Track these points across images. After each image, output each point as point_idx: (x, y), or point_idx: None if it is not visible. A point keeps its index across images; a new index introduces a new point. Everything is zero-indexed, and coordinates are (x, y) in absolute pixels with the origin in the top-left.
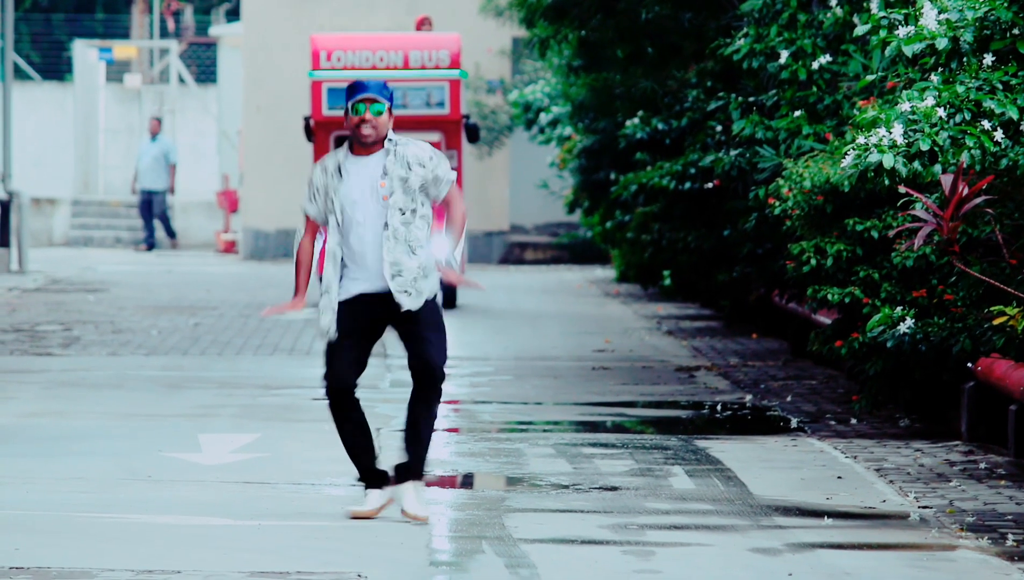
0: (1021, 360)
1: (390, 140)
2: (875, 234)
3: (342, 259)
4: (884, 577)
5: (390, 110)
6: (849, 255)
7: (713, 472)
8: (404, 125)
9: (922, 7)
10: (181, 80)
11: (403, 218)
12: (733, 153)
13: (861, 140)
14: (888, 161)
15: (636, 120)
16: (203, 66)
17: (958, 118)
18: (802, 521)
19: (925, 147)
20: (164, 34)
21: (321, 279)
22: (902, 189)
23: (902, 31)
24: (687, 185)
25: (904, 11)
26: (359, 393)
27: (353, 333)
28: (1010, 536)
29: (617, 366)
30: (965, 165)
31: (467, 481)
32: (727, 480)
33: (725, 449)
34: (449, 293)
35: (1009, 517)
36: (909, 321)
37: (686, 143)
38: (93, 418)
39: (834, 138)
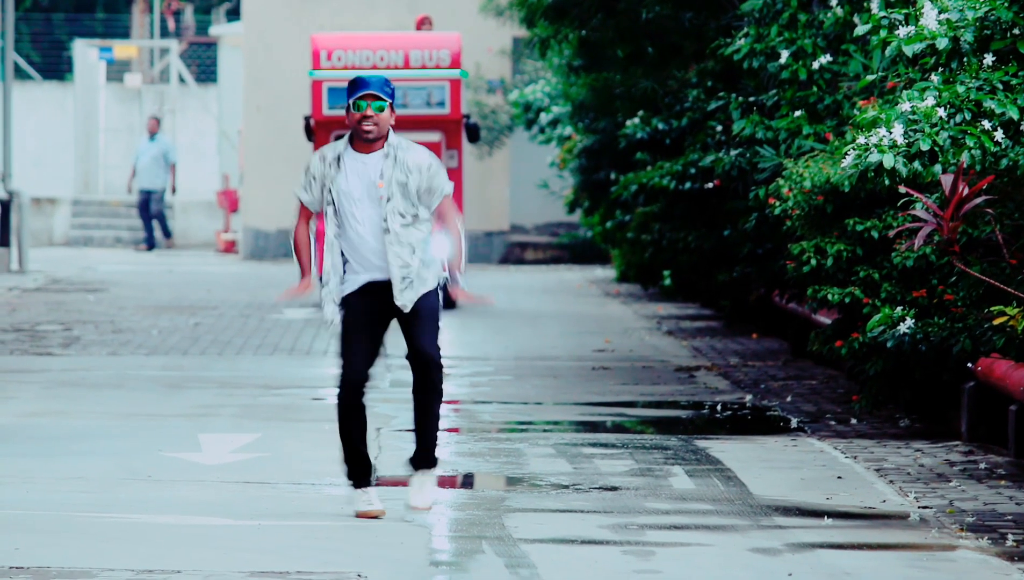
0: (1021, 360)
1: (391, 144)
2: (875, 234)
3: (341, 252)
4: (884, 577)
5: (392, 107)
6: (849, 255)
7: (713, 472)
8: (404, 125)
9: (922, 7)
10: (181, 80)
11: (403, 221)
12: (733, 153)
13: (861, 140)
14: (888, 161)
15: (636, 120)
16: (203, 66)
17: (958, 118)
18: (802, 521)
19: (925, 147)
20: (164, 34)
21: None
22: (902, 189)
23: (902, 31)
24: (687, 185)
25: (904, 11)
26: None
27: (364, 326)
28: (1010, 536)
29: (617, 366)
30: (965, 165)
31: (467, 481)
32: (727, 480)
33: (725, 449)
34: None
35: (1009, 517)
36: (909, 321)
37: (686, 143)
38: (93, 418)
39: (834, 138)
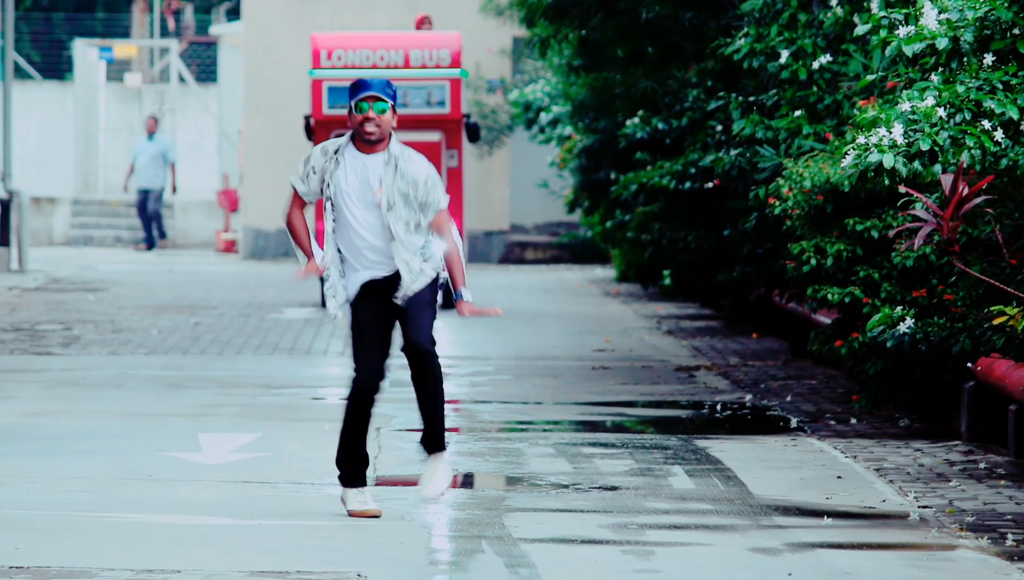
0: (1021, 360)
1: (392, 152)
2: (875, 234)
3: (338, 248)
4: (884, 577)
5: (394, 108)
6: (849, 255)
7: (713, 472)
8: (405, 124)
9: (922, 7)
10: (181, 79)
11: (407, 228)
12: (733, 153)
13: (861, 140)
14: (888, 161)
15: (636, 120)
16: (203, 65)
17: (958, 118)
18: (802, 521)
19: (925, 147)
20: (164, 33)
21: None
22: (902, 189)
23: (902, 31)
24: (687, 185)
25: (904, 11)
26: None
27: (372, 327)
28: (1010, 536)
29: (617, 366)
30: (965, 165)
31: (467, 481)
32: (727, 480)
33: (725, 449)
34: (450, 293)
35: (1009, 517)
36: (909, 321)
37: (686, 143)
38: (93, 417)
39: (834, 138)
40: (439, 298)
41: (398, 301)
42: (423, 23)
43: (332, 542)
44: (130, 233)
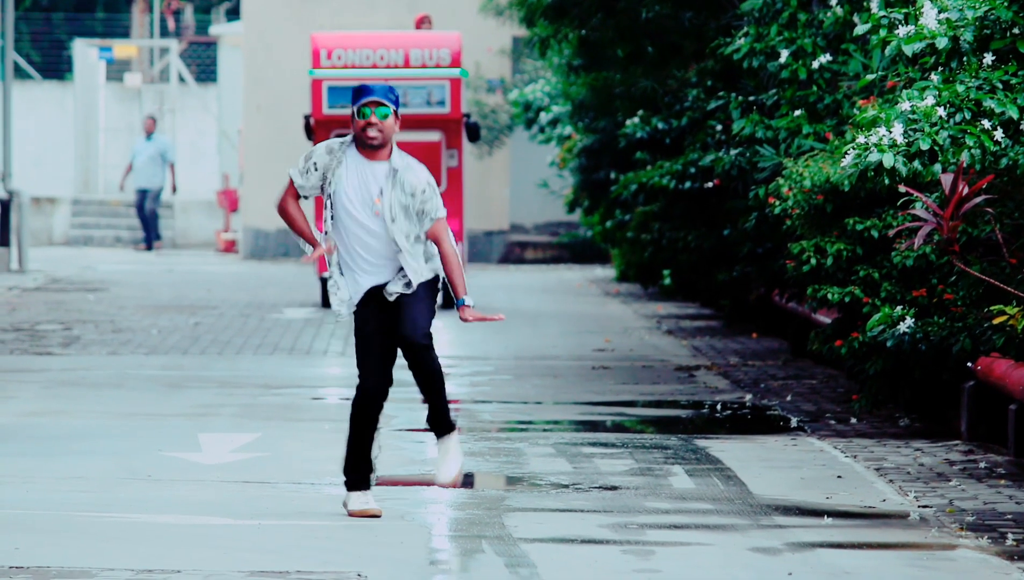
0: (1021, 359)
1: (394, 165)
2: (875, 233)
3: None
4: (884, 576)
5: (396, 113)
6: (849, 254)
7: (713, 471)
8: (405, 124)
9: (922, 6)
10: (181, 79)
11: (407, 239)
12: (733, 152)
13: (861, 139)
14: (888, 160)
15: (636, 119)
16: (203, 65)
17: (958, 117)
18: (802, 520)
19: (925, 146)
20: (164, 33)
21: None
22: (902, 188)
23: (902, 30)
24: (687, 184)
25: (904, 10)
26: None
27: (375, 331)
28: (1010, 535)
29: (617, 365)
30: (965, 164)
31: (467, 480)
32: (727, 479)
33: (725, 448)
34: (450, 297)
35: (1009, 516)
36: (909, 320)
37: (686, 142)
38: (93, 417)
39: (834, 137)
40: (439, 298)
41: (389, 297)
42: (423, 23)
43: (332, 542)
44: (130, 233)
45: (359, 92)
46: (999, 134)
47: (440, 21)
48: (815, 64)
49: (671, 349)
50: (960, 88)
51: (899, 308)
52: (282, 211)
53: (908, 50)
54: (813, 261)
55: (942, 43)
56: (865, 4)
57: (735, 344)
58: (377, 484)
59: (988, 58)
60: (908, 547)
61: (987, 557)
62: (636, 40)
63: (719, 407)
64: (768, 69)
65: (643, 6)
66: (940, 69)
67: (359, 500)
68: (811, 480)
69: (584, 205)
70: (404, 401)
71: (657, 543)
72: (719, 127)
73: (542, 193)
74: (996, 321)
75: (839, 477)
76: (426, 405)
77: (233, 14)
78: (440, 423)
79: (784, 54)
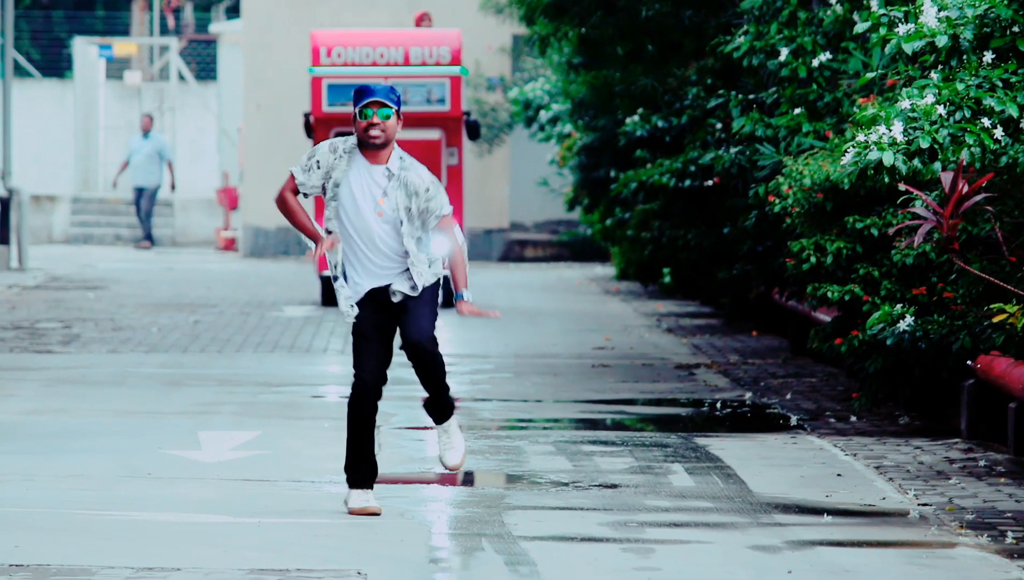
0: (1021, 358)
1: (393, 170)
2: (875, 232)
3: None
4: (884, 574)
5: (398, 114)
6: (849, 253)
7: (713, 470)
8: (405, 122)
9: (922, 5)
10: (181, 77)
11: (413, 241)
12: (733, 151)
13: (861, 137)
14: (888, 159)
15: (636, 117)
16: (203, 63)
17: (958, 116)
18: (802, 518)
19: (925, 145)
20: (164, 31)
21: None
22: (902, 187)
23: (902, 29)
24: (687, 183)
25: (904, 8)
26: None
27: (373, 330)
28: (1009, 534)
29: (617, 364)
30: (965, 163)
31: (467, 478)
32: (727, 478)
33: (725, 447)
34: (450, 292)
35: (1009, 515)
36: (909, 319)
37: (686, 141)
38: (93, 415)
39: (834, 136)
40: (440, 297)
41: (394, 297)
42: (423, 20)
43: (332, 540)
44: (130, 231)
45: (361, 93)
46: (999, 132)
47: (440, 19)
48: (815, 62)
49: (671, 347)
50: (960, 86)
51: (899, 306)
52: (281, 203)
53: (908, 48)
54: (813, 259)
55: (942, 41)
56: (865, 2)
57: (735, 342)
58: (376, 482)
59: (988, 56)
60: (908, 545)
61: (987, 555)
62: (636, 38)
63: (719, 405)
64: (768, 67)
65: (643, 4)
66: (940, 67)
67: (359, 498)
68: (811, 478)
69: (584, 203)
70: (404, 399)
71: (657, 541)
72: (719, 125)
73: (542, 191)
74: (996, 319)
75: (839, 475)
76: (427, 397)
77: (233, 12)
78: (440, 409)
79: (784, 52)
